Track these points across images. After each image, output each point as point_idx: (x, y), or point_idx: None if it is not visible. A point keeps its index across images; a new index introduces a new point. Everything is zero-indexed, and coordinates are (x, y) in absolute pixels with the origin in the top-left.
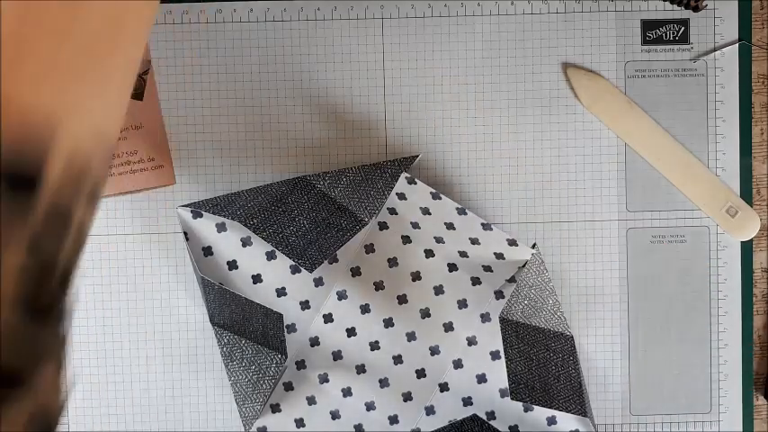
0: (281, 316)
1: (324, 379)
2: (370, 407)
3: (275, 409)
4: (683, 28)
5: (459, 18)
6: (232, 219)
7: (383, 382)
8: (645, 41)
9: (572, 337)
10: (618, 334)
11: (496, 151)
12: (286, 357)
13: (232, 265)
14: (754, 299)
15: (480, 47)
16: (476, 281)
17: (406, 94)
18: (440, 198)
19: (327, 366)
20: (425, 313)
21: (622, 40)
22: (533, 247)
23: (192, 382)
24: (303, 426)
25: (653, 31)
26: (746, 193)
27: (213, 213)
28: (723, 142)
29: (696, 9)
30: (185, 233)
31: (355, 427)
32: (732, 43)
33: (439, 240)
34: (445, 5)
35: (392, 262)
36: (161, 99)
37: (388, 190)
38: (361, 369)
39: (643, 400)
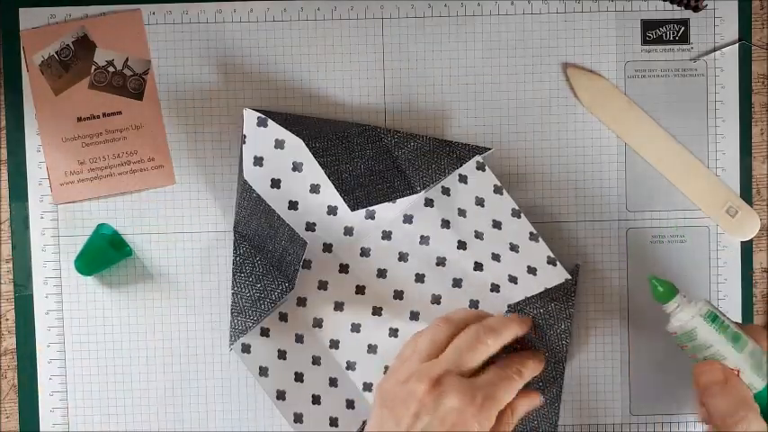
0: (305, 244)
1: (317, 324)
2: (350, 367)
3: (264, 332)
4: (683, 28)
5: (459, 18)
6: (297, 135)
7: (372, 348)
8: (645, 41)
9: (564, 364)
10: (618, 334)
11: (496, 151)
12: (292, 287)
13: (275, 183)
14: (754, 299)
15: (480, 47)
16: (495, 287)
17: (406, 94)
18: (501, 193)
19: (325, 314)
20: (436, 300)
21: (622, 40)
22: (573, 272)
23: (192, 382)
24: (284, 359)
25: (653, 31)
26: (746, 193)
27: (280, 125)
28: (723, 142)
29: (696, 9)
30: (244, 135)
31: (330, 380)
32: (732, 43)
33: (478, 236)
34: (445, 5)
35: (423, 240)
36: (161, 99)
37: (450, 170)
38: (355, 328)
39: (643, 400)
